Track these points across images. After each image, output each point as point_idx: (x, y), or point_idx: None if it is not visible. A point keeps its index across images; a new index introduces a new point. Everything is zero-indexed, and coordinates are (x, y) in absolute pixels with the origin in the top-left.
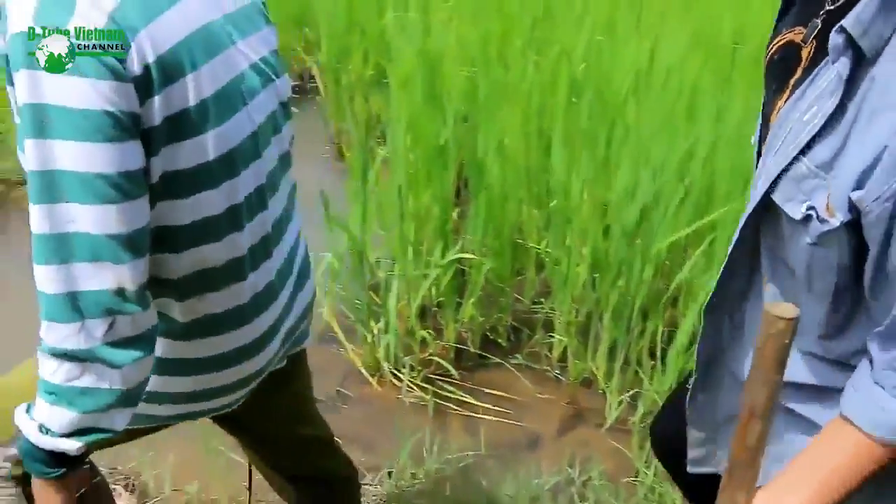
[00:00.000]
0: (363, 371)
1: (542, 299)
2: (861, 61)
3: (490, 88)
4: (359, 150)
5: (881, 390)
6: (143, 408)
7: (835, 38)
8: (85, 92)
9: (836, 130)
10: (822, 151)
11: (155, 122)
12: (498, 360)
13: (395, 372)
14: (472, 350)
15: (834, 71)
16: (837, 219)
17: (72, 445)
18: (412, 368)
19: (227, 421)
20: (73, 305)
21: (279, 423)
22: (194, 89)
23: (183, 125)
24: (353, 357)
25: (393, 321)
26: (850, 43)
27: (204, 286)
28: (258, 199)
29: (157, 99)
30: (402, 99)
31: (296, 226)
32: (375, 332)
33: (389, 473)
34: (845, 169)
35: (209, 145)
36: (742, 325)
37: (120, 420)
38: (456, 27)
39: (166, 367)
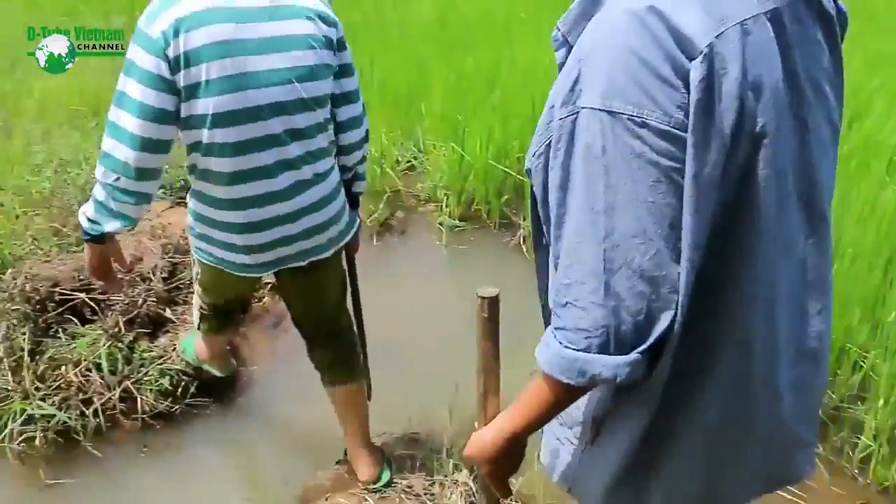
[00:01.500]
0: None
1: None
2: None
3: None
4: None
5: (547, 328)
6: (203, 246)
7: (554, 34)
8: (144, 61)
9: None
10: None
11: (179, 87)
12: None
13: None
14: None
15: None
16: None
17: (86, 223)
18: None
19: (277, 287)
20: (105, 161)
21: (299, 298)
22: (204, 73)
23: (193, 92)
24: None
25: None
26: (564, 38)
27: (237, 179)
28: (267, 142)
29: (180, 74)
30: None
31: (322, 186)
32: None
33: None
34: None
35: (210, 105)
36: None
37: (109, 224)
38: None
39: (211, 222)
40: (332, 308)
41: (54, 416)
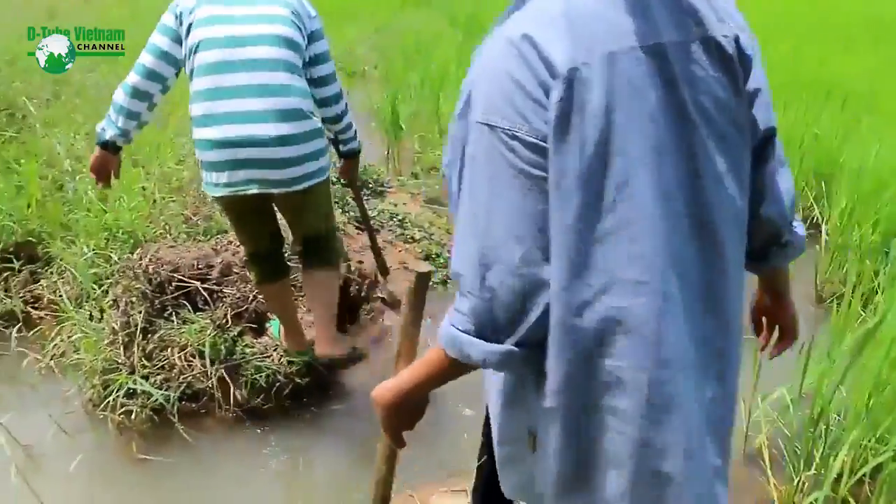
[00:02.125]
0: None
1: None
2: None
3: None
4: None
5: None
6: (205, 177)
7: None
8: (166, 19)
9: None
10: None
11: (189, 46)
12: None
13: None
14: None
15: None
16: None
17: (98, 130)
18: None
19: (280, 208)
20: (124, 84)
21: (293, 213)
22: (199, 36)
23: (195, 49)
24: (772, 490)
25: (826, 487)
26: None
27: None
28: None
29: (187, 38)
30: None
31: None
32: (804, 479)
33: None
34: None
35: (205, 59)
36: None
37: (111, 130)
38: None
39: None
40: (315, 224)
41: (152, 394)
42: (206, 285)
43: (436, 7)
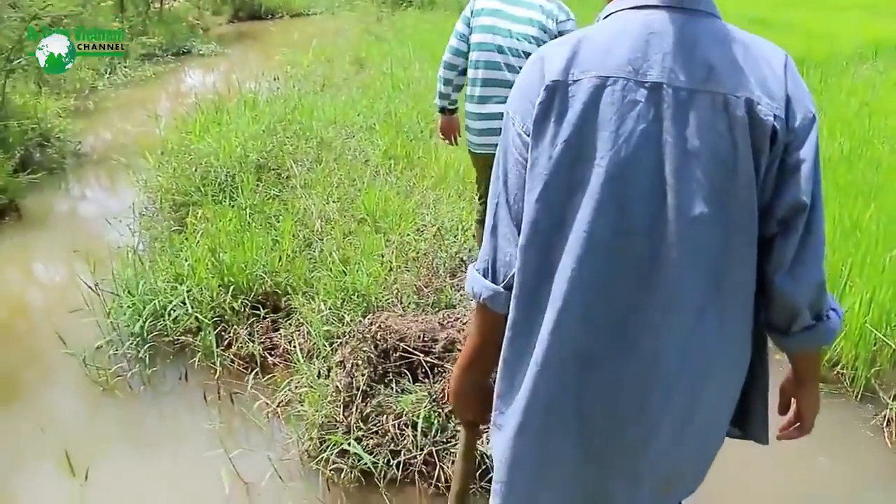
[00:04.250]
0: None
1: None
2: None
3: None
4: None
5: None
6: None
7: None
8: (465, 10)
9: None
10: None
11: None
12: None
13: None
14: None
15: None
16: None
17: (436, 100)
18: None
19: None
20: (442, 61)
21: None
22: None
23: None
24: None
25: None
26: None
27: None
28: None
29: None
30: None
31: None
32: None
33: None
34: None
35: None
36: None
37: (437, 98)
38: None
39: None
40: None
41: (362, 457)
42: (428, 358)
43: None
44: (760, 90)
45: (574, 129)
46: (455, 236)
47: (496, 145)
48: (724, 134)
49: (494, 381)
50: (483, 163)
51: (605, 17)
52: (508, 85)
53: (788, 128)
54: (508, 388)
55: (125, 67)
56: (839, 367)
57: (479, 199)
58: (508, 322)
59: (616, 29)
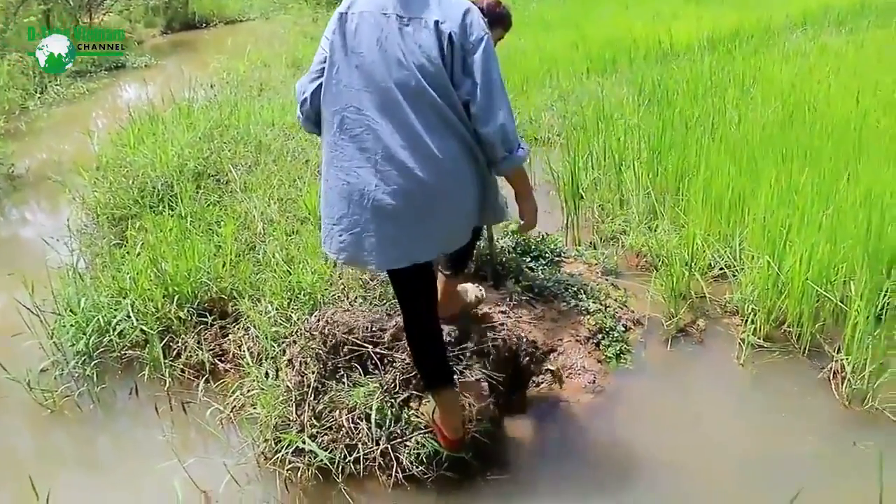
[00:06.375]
0: None
1: None
2: None
3: None
4: None
5: None
6: None
7: None
8: None
9: None
10: None
11: None
12: None
13: None
14: None
15: None
16: None
17: None
18: None
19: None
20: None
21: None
22: None
23: None
24: None
25: None
26: None
27: None
28: None
29: None
30: None
31: None
32: None
33: None
34: None
35: None
36: None
37: None
38: None
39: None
40: None
41: (317, 454)
42: (377, 349)
43: (621, 73)
44: (445, 18)
45: (351, 33)
46: None
47: None
48: (428, 36)
49: None
50: None
51: None
52: None
53: (463, 41)
54: None
55: (56, 85)
56: (786, 325)
57: None
58: None
59: None
